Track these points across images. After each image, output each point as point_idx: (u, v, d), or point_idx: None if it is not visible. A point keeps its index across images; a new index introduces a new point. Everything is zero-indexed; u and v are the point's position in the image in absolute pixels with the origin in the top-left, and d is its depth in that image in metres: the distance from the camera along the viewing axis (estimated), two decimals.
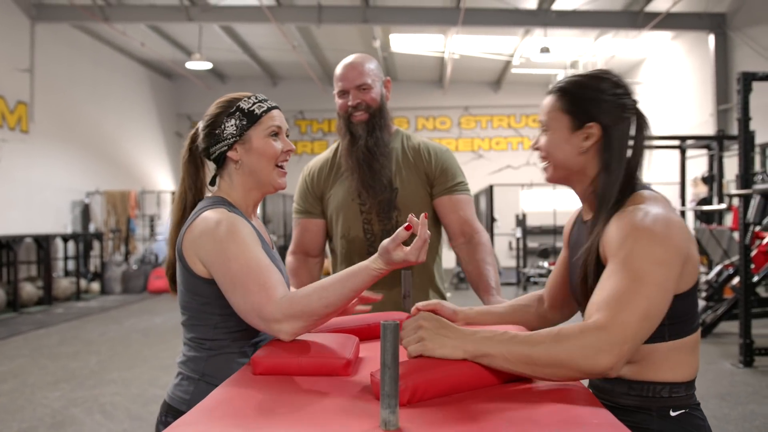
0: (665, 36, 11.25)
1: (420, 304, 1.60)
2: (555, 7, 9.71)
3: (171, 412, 1.41)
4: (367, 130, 2.02)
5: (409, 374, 1.00)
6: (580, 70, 11.83)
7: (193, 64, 11.84)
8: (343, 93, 2.04)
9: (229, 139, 1.44)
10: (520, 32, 11.05)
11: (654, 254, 1.13)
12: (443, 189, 2.08)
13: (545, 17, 9.78)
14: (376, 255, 1.26)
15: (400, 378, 0.98)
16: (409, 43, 11.86)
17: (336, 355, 1.19)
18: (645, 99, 12.53)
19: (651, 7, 9.65)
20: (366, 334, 1.47)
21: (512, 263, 12.80)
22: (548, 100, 1.35)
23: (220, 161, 1.47)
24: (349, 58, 2.07)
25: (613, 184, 1.26)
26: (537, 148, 1.38)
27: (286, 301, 1.24)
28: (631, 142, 1.30)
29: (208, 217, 1.36)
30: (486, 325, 1.55)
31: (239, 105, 1.44)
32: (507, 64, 13.38)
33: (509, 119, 15.52)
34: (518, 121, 15.53)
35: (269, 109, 1.46)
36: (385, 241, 1.25)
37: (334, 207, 2.10)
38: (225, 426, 0.90)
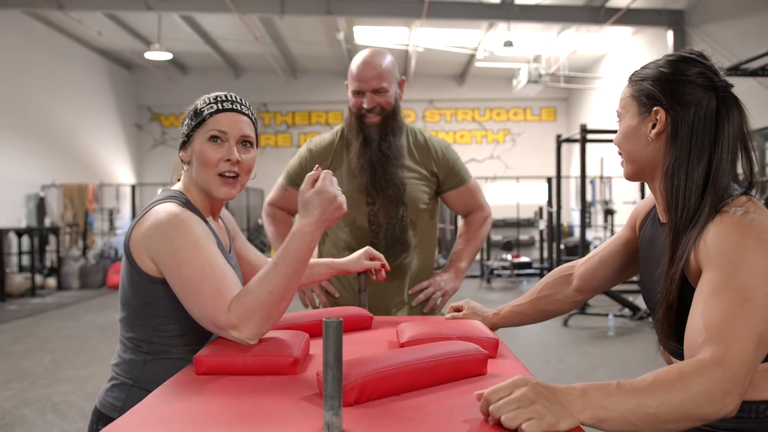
0: (626, 31, 11.41)
1: (454, 305, 1.63)
2: (518, 1, 9.76)
3: (102, 419, 1.31)
4: (380, 134, 2.01)
5: (355, 374, 0.96)
6: (542, 64, 11.96)
7: (152, 55, 11.57)
8: (358, 93, 2.00)
9: (181, 138, 1.39)
10: (483, 26, 11.08)
11: (767, 269, 0.99)
12: (452, 185, 2.14)
13: (508, 11, 9.82)
14: (298, 216, 1.23)
15: (346, 377, 0.95)
16: (374, 35, 11.80)
17: (283, 353, 1.14)
18: (606, 93, 12.72)
19: (612, 3, 9.78)
20: (317, 330, 1.43)
21: (476, 256, 12.88)
22: (623, 90, 1.24)
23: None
24: (366, 55, 2.01)
25: (684, 183, 1.10)
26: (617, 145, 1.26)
27: (235, 304, 1.17)
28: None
29: (159, 211, 1.28)
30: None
31: (196, 103, 1.38)
32: (471, 58, 13.42)
33: (473, 113, 15.59)
34: (482, 115, 15.61)
35: (219, 111, 1.35)
36: (301, 194, 1.23)
37: None
38: (159, 430, 0.85)
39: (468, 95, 15.36)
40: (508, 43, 10.43)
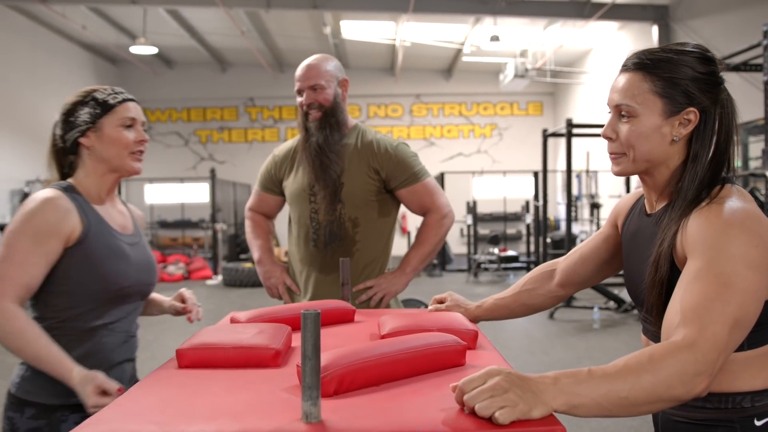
0: (611, 26, 11.46)
1: (437, 297, 1.65)
2: None
3: (24, 405, 1.45)
4: (319, 127, 2.13)
5: (334, 365, 0.98)
6: (529, 59, 11.99)
7: (137, 49, 11.48)
8: (299, 92, 2.17)
9: (82, 126, 1.52)
10: (470, 20, 11.10)
11: (748, 256, 1.00)
12: (400, 183, 2.17)
13: (495, 6, 9.84)
14: (84, 375, 1.35)
15: (325, 369, 0.96)
16: (360, 30, 11.78)
17: (265, 346, 1.16)
18: (592, 88, 12.79)
19: None
20: (300, 323, 1.44)
21: (464, 250, 12.93)
22: (631, 80, 1.15)
23: (74, 148, 1.54)
24: (308, 59, 2.20)
25: (699, 175, 1.12)
26: (610, 138, 1.18)
27: (5, 314, 1.36)
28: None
29: (32, 197, 1.46)
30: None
31: (94, 95, 1.54)
32: (458, 53, 13.43)
33: (460, 107, 15.62)
34: (469, 109, 15.64)
35: (124, 101, 1.55)
36: (94, 382, 1.35)
37: (290, 193, 2.25)
38: (139, 423, 0.87)
39: (455, 90, 15.38)
40: (495, 38, 10.45)
